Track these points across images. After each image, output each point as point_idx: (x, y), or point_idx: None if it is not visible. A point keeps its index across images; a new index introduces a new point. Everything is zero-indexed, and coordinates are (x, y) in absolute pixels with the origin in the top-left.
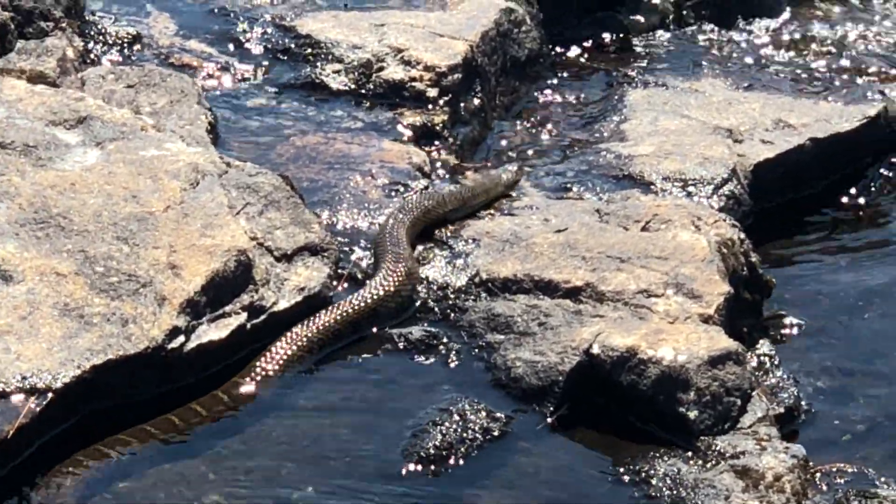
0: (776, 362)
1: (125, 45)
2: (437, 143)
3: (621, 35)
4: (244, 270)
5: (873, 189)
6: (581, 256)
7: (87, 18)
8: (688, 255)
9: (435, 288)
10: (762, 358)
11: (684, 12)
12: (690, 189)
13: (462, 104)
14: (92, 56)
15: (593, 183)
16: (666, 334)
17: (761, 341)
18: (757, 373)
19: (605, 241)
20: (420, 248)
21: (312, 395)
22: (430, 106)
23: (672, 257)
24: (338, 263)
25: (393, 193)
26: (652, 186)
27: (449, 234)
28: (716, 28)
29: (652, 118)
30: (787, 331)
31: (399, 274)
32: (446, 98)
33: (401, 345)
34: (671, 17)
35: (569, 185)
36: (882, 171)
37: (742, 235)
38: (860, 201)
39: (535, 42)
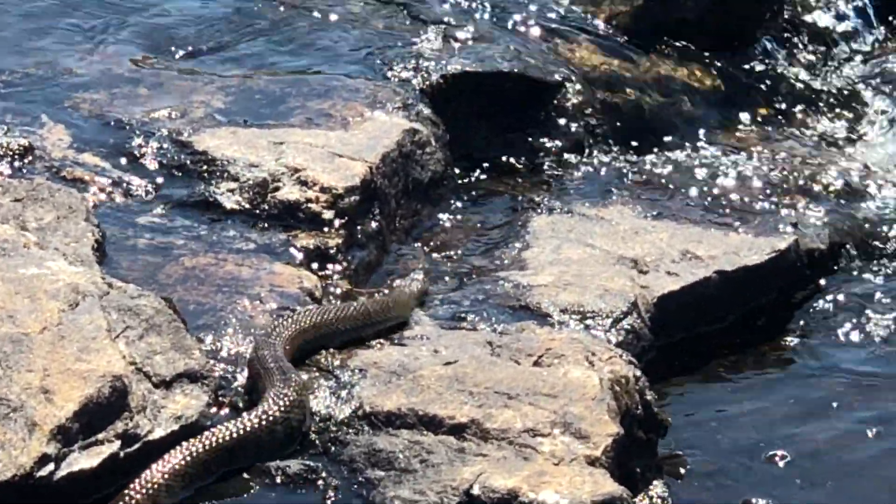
0: None
1: (16, 156)
2: (331, 266)
3: (531, 158)
4: (119, 397)
5: (782, 324)
6: (469, 391)
7: None
8: (578, 393)
9: (317, 419)
10: (654, 500)
11: (597, 137)
12: (588, 322)
13: (359, 227)
14: None
15: (489, 313)
16: (549, 476)
17: (655, 482)
18: None
19: (495, 376)
20: (304, 375)
21: None
22: (325, 228)
23: (562, 395)
24: (218, 391)
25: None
26: (549, 318)
27: (336, 363)
28: (629, 153)
29: (555, 246)
30: (683, 470)
31: (289, 398)
32: (342, 220)
33: (278, 479)
34: (584, 140)
35: (463, 315)
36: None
37: (637, 373)
38: (767, 337)
39: (439, 164)
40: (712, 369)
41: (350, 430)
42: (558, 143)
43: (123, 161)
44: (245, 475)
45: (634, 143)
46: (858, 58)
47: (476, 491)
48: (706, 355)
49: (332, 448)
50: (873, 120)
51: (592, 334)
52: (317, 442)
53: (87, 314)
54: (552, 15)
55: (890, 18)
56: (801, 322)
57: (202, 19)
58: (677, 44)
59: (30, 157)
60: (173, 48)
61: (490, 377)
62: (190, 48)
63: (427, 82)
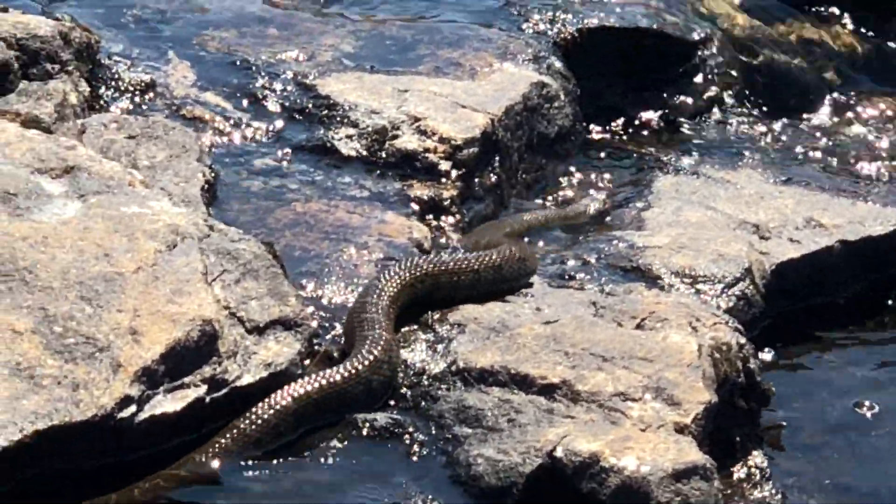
0: (767, 475)
1: (137, 92)
2: (444, 218)
3: (665, 116)
4: (209, 341)
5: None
6: (564, 352)
7: (101, 62)
8: (674, 359)
9: (411, 373)
10: (752, 470)
11: (734, 98)
12: (699, 286)
13: (477, 179)
14: (102, 102)
15: (599, 273)
16: (633, 442)
17: (754, 452)
18: (744, 485)
19: (593, 337)
20: (403, 329)
21: (267, 479)
22: (441, 179)
23: (658, 360)
24: (312, 340)
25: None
26: (659, 280)
27: (436, 317)
28: (765, 116)
29: (676, 207)
30: (785, 442)
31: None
32: (459, 172)
33: (364, 431)
34: (721, 101)
35: (573, 273)
36: None
37: (742, 340)
38: (888, 311)
39: (567, 119)
40: (829, 341)
41: (442, 386)
42: (694, 102)
43: (245, 102)
44: (333, 427)
45: (772, 106)
46: None
47: (559, 453)
48: (824, 326)
49: (423, 403)
50: None
51: (701, 299)
52: (408, 396)
53: (184, 256)
54: None
55: None
56: None
57: None
58: (825, 6)
59: (151, 94)
60: None
61: (588, 338)
62: None
63: (562, 35)
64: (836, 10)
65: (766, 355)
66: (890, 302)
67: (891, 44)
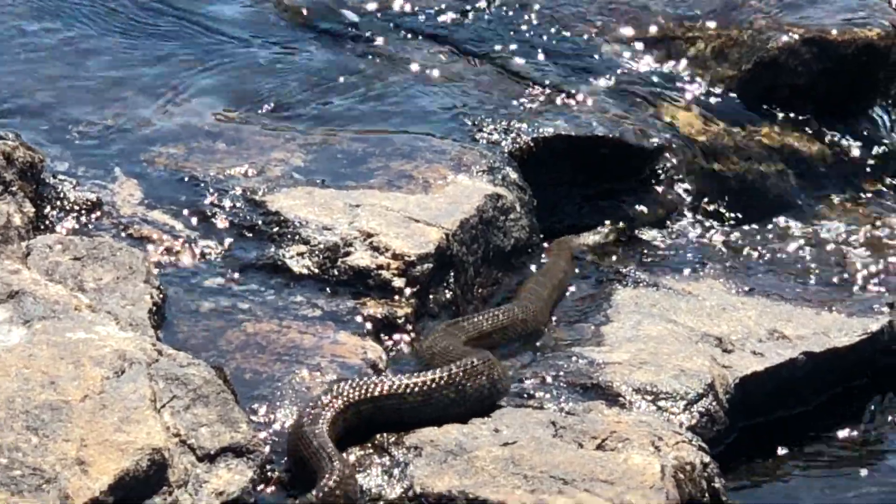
0: None
1: (83, 211)
2: (398, 336)
3: (623, 227)
4: (158, 470)
5: (872, 410)
6: (523, 475)
7: (46, 181)
8: (636, 481)
9: (367, 499)
10: None
11: (695, 207)
12: (661, 403)
13: (432, 296)
14: (47, 222)
15: (558, 391)
16: None
17: None
18: None
19: (552, 460)
20: (358, 452)
21: None
22: (395, 297)
23: (619, 482)
24: (264, 467)
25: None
26: (619, 398)
27: (391, 439)
28: (727, 224)
29: (636, 321)
30: None
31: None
32: (414, 289)
33: None
34: (681, 210)
35: (531, 392)
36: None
37: (706, 459)
38: (854, 423)
39: (523, 231)
40: (794, 455)
41: None
42: (653, 211)
43: (194, 220)
44: None
45: (734, 214)
46: None
47: None
48: (789, 440)
49: None
50: None
51: (664, 417)
52: None
53: (132, 382)
54: (655, 77)
55: None
56: (892, 410)
57: (290, 72)
58: (785, 111)
59: (98, 213)
60: (258, 102)
61: (547, 460)
62: (274, 103)
63: (517, 145)
64: (800, 115)
65: (732, 472)
66: (853, 411)
67: (855, 151)
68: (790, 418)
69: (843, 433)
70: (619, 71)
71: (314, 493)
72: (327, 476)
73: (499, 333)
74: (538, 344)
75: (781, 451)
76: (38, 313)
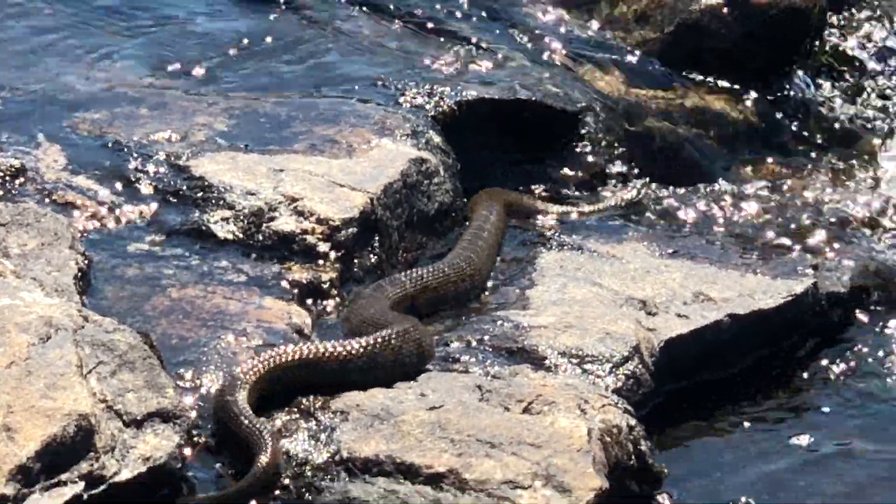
0: None
1: (7, 178)
2: (324, 301)
3: (549, 190)
4: (85, 436)
5: (798, 371)
6: (450, 439)
7: None
8: (563, 444)
9: (294, 464)
10: None
11: (619, 169)
12: (587, 367)
13: (357, 260)
14: None
15: (484, 355)
16: None
17: None
18: None
19: (479, 423)
20: (284, 417)
21: None
22: (320, 261)
23: (546, 445)
24: (191, 432)
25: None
26: (545, 362)
27: (318, 404)
28: (651, 187)
29: (560, 285)
30: None
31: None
32: (338, 254)
33: None
34: (605, 172)
35: (457, 356)
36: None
37: (632, 422)
38: (781, 385)
39: (447, 195)
40: (720, 418)
41: (326, 477)
42: (578, 174)
43: (118, 185)
44: None
45: (658, 177)
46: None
47: None
48: (715, 402)
49: (307, 495)
50: None
51: (590, 380)
52: (291, 488)
53: (58, 349)
54: (578, 40)
55: None
56: (818, 371)
57: (214, 37)
58: (708, 74)
59: (21, 179)
60: (182, 67)
61: (474, 424)
62: (198, 67)
63: (440, 109)
64: (723, 79)
65: (659, 434)
66: (779, 374)
67: (778, 114)
68: (718, 381)
69: (770, 396)
70: (542, 34)
71: (253, 472)
72: (263, 454)
73: (428, 292)
74: (462, 308)
75: (709, 413)
76: None
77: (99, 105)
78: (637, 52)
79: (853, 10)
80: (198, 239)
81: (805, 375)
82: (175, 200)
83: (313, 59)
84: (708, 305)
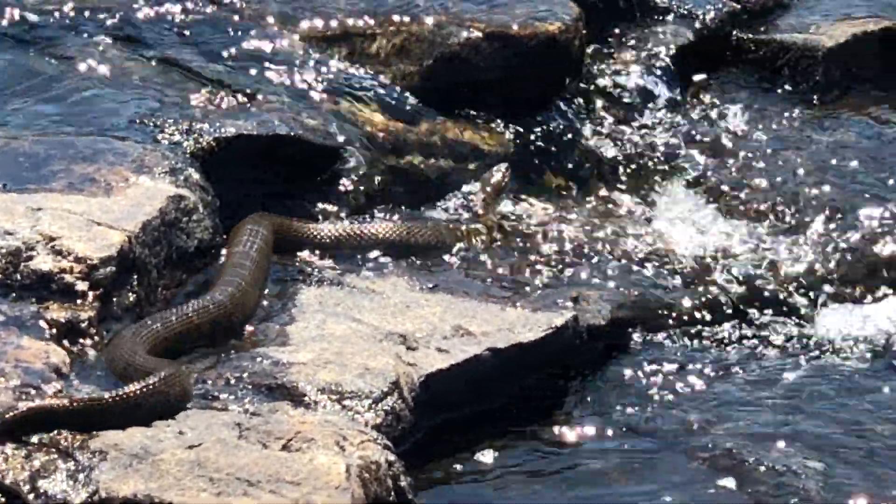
0: None
1: None
2: (83, 340)
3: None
4: None
5: (559, 403)
6: (209, 477)
7: None
8: (322, 481)
9: None
10: None
11: (379, 203)
12: (346, 403)
13: (115, 299)
14: None
15: (243, 392)
16: None
17: None
18: None
19: (238, 461)
20: (43, 458)
21: None
22: (78, 300)
23: (305, 482)
24: None
25: (24, 396)
26: (304, 399)
27: (76, 444)
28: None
29: (320, 321)
30: None
31: None
32: (97, 292)
33: None
34: (365, 207)
35: (216, 394)
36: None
37: (392, 458)
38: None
39: (206, 231)
40: (484, 450)
41: None
42: (338, 209)
43: None
44: None
45: (418, 211)
46: (658, 122)
47: None
48: (479, 435)
49: None
50: (668, 188)
51: (349, 416)
52: None
53: None
54: (337, 76)
55: (692, 77)
56: (582, 400)
57: None
58: (469, 108)
59: None
60: None
61: (233, 462)
62: None
63: (199, 145)
64: (483, 110)
65: (421, 470)
66: (541, 406)
67: (539, 144)
68: (482, 413)
69: (536, 427)
70: (300, 71)
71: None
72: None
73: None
74: (221, 346)
75: (473, 446)
76: None
77: None
78: (396, 87)
79: (616, 46)
80: None
81: (571, 404)
82: None
83: (71, 97)
84: (468, 339)
